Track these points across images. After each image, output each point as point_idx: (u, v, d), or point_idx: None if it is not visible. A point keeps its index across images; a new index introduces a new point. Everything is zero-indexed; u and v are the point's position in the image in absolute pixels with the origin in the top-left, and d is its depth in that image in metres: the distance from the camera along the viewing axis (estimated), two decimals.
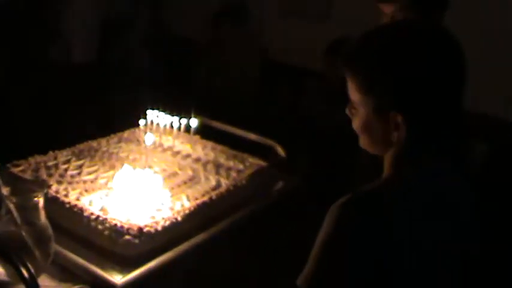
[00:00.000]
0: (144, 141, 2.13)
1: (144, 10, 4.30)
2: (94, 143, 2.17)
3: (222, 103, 3.73)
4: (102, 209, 1.67)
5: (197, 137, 2.28)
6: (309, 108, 3.65)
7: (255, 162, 2.14)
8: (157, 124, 2.29)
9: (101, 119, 3.30)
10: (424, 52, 1.13)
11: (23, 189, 1.49)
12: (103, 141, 2.21)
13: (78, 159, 2.02)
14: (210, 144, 2.27)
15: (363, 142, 1.25)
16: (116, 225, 1.60)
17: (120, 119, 2.43)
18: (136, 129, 2.33)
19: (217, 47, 3.85)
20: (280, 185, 2.13)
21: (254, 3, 4.03)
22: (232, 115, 3.38)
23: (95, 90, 3.72)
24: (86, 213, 1.66)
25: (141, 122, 2.27)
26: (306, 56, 3.84)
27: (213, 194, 1.86)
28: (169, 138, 2.25)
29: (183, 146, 2.22)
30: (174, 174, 2.00)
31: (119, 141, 2.23)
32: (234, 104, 3.74)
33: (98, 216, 1.64)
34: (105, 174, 1.93)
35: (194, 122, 2.23)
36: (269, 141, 2.34)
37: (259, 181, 2.05)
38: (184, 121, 2.25)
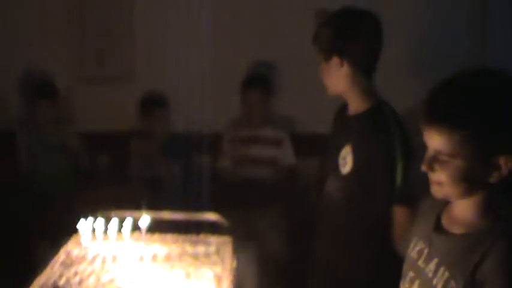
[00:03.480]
0: (93, 257, 1.94)
1: None
2: (43, 278, 1.84)
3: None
4: None
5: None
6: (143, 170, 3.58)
7: (217, 241, 2.11)
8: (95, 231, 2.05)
9: None
10: None
11: None
12: (48, 271, 1.88)
13: None
14: (155, 236, 2.13)
15: (453, 191, 1.34)
16: None
17: None
18: (69, 246, 2.04)
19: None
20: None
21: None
22: None
23: None
24: None
25: (85, 235, 2.00)
26: (116, 119, 3.74)
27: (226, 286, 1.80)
28: (121, 244, 2.03)
29: (135, 247, 2.04)
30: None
31: (66, 266, 1.93)
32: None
33: None
34: None
35: (146, 219, 2.06)
36: (209, 216, 2.26)
37: (241, 256, 2.05)
38: (129, 221, 2.06)
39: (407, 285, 1.49)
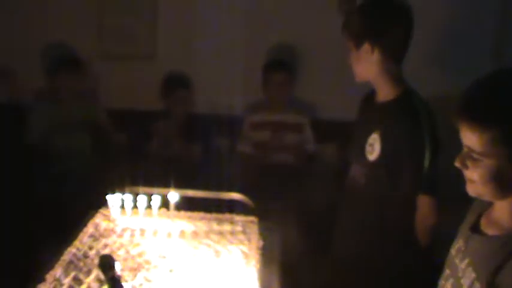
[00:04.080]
0: (122, 231, 1.97)
1: None
2: (72, 249, 1.86)
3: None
4: None
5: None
6: (162, 150, 3.60)
7: (243, 220, 2.13)
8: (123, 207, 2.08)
9: None
10: None
11: None
12: (76, 243, 1.91)
13: (82, 273, 1.73)
14: (181, 213, 2.15)
15: (485, 191, 1.32)
16: None
17: None
18: (97, 219, 2.07)
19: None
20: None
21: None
22: None
23: None
24: None
25: (113, 209, 2.02)
26: (138, 97, 3.75)
27: (254, 264, 1.83)
28: (149, 219, 2.06)
29: (163, 223, 2.06)
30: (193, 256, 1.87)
31: (94, 238, 1.95)
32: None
33: None
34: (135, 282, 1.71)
35: (174, 196, 2.08)
36: (234, 195, 2.25)
37: (268, 235, 2.07)
38: (157, 197, 2.08)
39: (443, 282, 1.48)
